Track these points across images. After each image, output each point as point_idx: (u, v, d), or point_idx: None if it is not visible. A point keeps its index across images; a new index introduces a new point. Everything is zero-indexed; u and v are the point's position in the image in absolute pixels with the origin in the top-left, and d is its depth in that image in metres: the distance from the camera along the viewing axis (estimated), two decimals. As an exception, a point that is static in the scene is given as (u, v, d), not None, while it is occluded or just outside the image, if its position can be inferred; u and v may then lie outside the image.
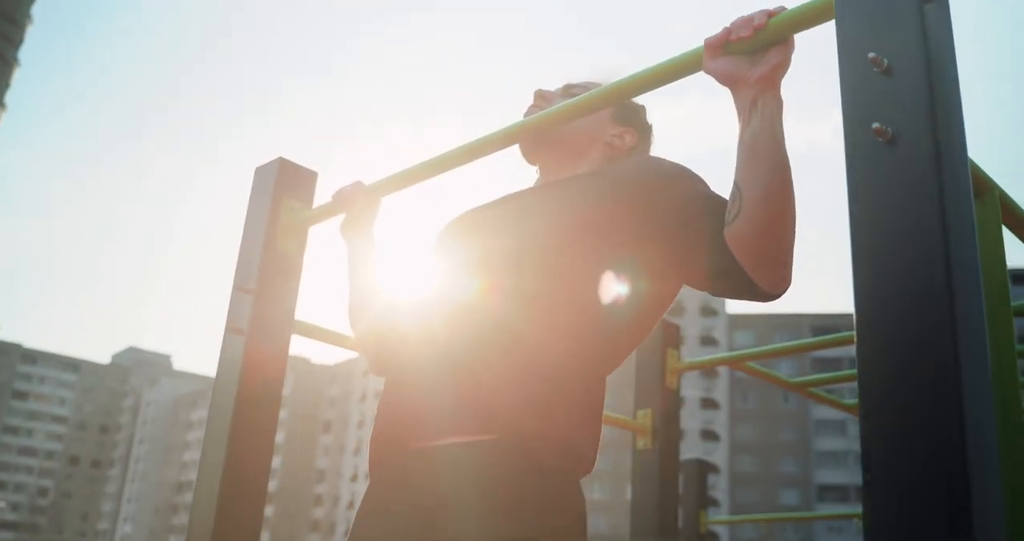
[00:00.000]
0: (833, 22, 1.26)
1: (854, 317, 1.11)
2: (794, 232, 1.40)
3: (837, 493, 69.79)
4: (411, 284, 1.90)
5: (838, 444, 71.74)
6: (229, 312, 2.17)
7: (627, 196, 1.58)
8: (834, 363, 65.93)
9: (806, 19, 1.33)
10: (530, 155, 1.87)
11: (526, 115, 1.84)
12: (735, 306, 74.99)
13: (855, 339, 1.09)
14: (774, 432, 73.60)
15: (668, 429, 3.11)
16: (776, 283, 1.43)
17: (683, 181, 1.57)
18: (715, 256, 1.45)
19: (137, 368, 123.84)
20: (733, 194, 1.42)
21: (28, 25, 77.38)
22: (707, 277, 1.49)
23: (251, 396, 2.06)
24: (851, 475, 69.97)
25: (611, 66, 1.89)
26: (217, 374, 2.13)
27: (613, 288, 1.57)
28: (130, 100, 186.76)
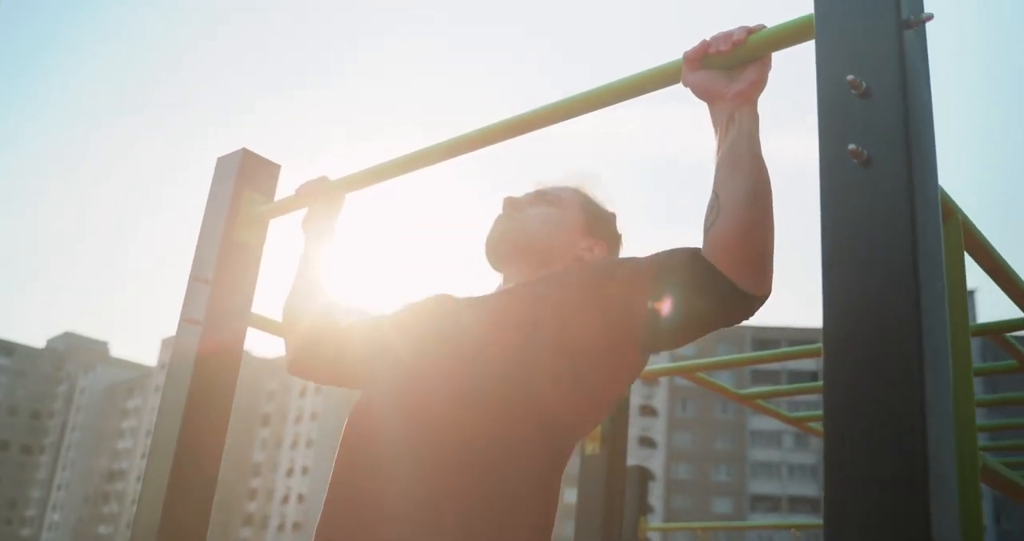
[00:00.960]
0: (812, 42, 1.28)
1: (823, 333, 1.12)
2: (773, 237, 1.39)
3: (770, 503, 70.64)
4: (364, 343, 1.84)
5: (773, 455, 72.61)
6: (185, 302, 2.15)
7: (584, 287, 1.56)
8: (773, 375, 66.80)
9: (785, 38, 1.35)
10: (499, 264, 1.80)
11: (496, 222, 1.80)
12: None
13: (823, 355, 1.11)
14: (710, 441, 74.34)
15: (617, 435, 3.13)
16: (758, 285, 1.40)
17: (633, 258, 1.57)
18: (692, 274, 1.43)
19: (73, 354, 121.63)
20: (711, 203, 1.41)
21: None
22: (688, 299, 1.46)
23: (205, 387, 2.04)
24: (783, 486, 70.87)
25: (582, 171, 1.88)
26: (170, 364, 2.11)
27: (573, 388, 1.54)
28: (92, 88, 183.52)
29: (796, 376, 65.72)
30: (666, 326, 1.48)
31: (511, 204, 1.81)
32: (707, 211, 1.42)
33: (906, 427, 1.02)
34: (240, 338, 2.14)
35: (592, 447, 3.09)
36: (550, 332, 1.53)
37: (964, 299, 1.42)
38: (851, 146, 1.15)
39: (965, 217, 1.50)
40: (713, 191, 1.41)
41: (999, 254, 1.65)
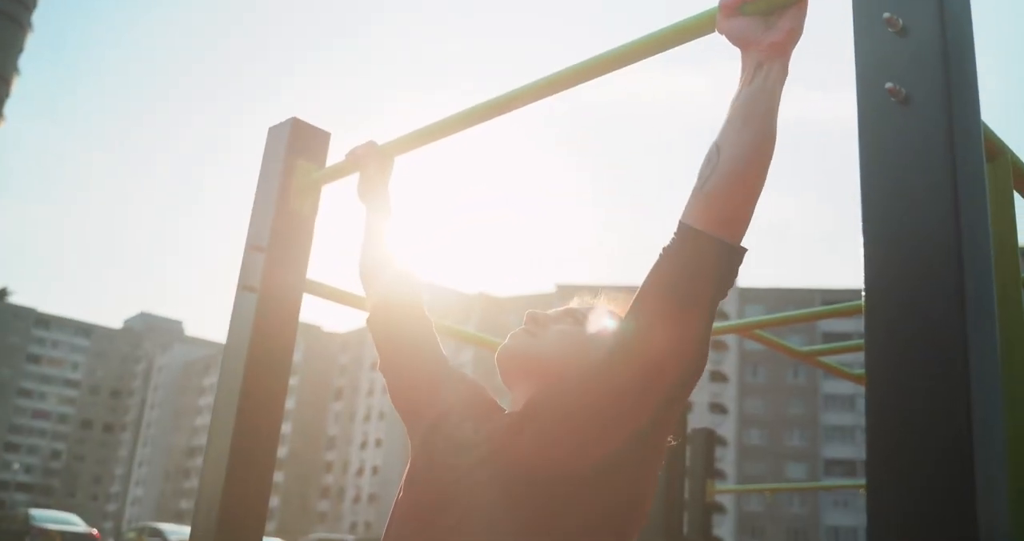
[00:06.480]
0: (847, -18, 1.26)
1: (863, 280, 1.11)
2: (758, 196, 1.38)
3: (844, 467, 69.97)
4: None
5: (846, 419, 71.83)
6: (241, 270, 2.19)
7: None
8: (845, 337, 65.81)
9: (822, -21, 1.33)
10: (505, 380, 1.70)
11: (511, 338, 1.69)
12: (745, 279, 74.76)
13: (863, 306, 1.09)
14: (783, 406, 73.73)
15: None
16: (739, 236, 1.39)
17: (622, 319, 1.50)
18: (674, 259, 1.39)
19: (149, 333, 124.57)
20: (709, 156, 1.38)
21: (42, -12, 77.24)
22: (680, 278, 1.40)
23: (263, 353, 2.08)
24: (859, 450, 70.07)
25: (623, 297, 1.78)
26: (229, 331, 2.15)
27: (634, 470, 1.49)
28: (146, 66, 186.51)
29: (868, 339, 64.75)
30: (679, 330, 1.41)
31: (532, 320, 1.71)
32: (703, 164, 1.39)
33: (949, 385, 0.99)
34: (296, 304, 2.18)
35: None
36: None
37: (1015, 241, 1.38)
38: (889, 85, 1.13)
39: (1015, 156, 1.45)
40: (715, 143, 1.38)
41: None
